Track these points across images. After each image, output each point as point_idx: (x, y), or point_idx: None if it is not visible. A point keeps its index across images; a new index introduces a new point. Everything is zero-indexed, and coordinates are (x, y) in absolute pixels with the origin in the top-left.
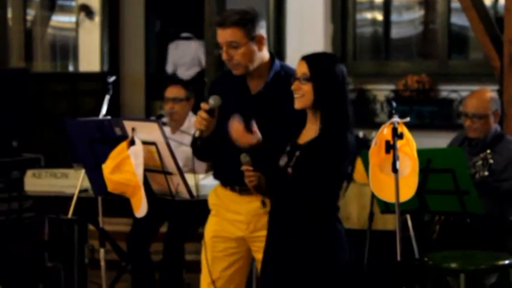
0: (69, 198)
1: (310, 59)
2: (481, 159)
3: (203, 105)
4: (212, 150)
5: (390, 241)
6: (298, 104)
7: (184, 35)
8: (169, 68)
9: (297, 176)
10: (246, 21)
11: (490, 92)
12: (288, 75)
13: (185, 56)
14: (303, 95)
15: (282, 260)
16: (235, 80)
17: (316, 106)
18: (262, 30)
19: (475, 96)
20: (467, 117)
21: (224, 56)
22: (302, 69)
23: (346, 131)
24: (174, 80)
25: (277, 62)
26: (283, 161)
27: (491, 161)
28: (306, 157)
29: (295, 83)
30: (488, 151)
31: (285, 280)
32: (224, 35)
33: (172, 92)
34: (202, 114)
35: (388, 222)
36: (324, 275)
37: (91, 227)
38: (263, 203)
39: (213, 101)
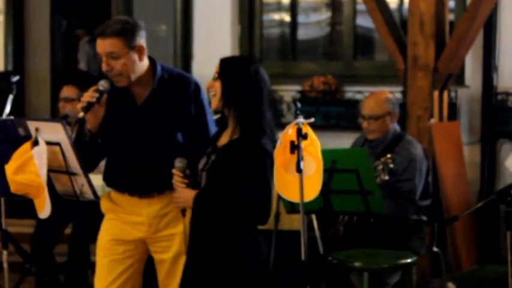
0: None
1: (223, 59)
2: (381, 163)
3: (93, 87)
4: (98, 153)
5: (296, 241)
6: (212, 104)
7: None
8: (82, 65)
9: (211, 182)
10: (125, 31)
11: (386, 93)
12: (171, 76)
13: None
14: (214, 94)
15: (201, 267)
16: (119, 90)
17: (226, 105)
18: (142, 40)
19: (371, 98)
20: (364, 119)
21: (104, 67)
22: (216, 68)
23: (262, 137)
24: (70, 79)
25: (158, 66)
26: (202, 163)
27: (391, 165)
28: (219, 162)
29: (209, 82)
30: (389, 155)
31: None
32: (104, 45)
33: (64, 91)
34: (90, 91)
35: (294, 222)
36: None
37: None
38: (183, 213)
39: (105, 83)
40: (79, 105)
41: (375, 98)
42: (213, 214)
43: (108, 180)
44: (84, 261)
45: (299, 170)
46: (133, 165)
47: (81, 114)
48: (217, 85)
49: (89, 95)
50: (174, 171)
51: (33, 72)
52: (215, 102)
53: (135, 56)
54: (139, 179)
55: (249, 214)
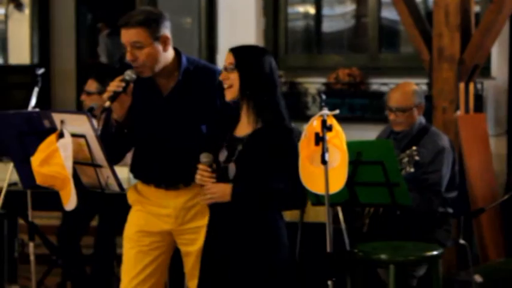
0: None
1: (236, 49)
2: (407, 156)
3: (119, 77)
4: (124, 144)
5: (321, 233)
6: (228, 96)
7: None
8: (103, 59)
9: (245, 172)
10: (150, 22)
11: (413, 85)
12: (196, 67)
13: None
14: (230, 85)
15: (222, 253)
16: (145, 82)
17: (244, 95)
18: (167, 30)
19: (398, 90)
20: (391, 111)
21: (128, 57)
22: (229, 60)
23: (286, 123)
24: (93, 72)
25: (184, 58)
26: (223, 155)
27: (416, 158)
28: (250, 151)
29: (223, 74)
30: (414, 148)
31: (224, 275)
32: (128, 35)
33: (87, 84)
34: (117, 80)
35: (320, 214)
36: (261, 272)
37: (21, 221)
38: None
39: (131, 72)
40: (105, 95)
41: (402, 90)
42: (254, 204)
43: (134, 171)
44: (110, 253)
45: (324, 161)
46: (158, 156)
47: (107, 104)
48: (234, 76)
49: (115, 85)
50: (200, 166)
51: (58, 65)
52: (231, 94)
53: (160, 47)
54: (164, 171)
55: (290, 200)
